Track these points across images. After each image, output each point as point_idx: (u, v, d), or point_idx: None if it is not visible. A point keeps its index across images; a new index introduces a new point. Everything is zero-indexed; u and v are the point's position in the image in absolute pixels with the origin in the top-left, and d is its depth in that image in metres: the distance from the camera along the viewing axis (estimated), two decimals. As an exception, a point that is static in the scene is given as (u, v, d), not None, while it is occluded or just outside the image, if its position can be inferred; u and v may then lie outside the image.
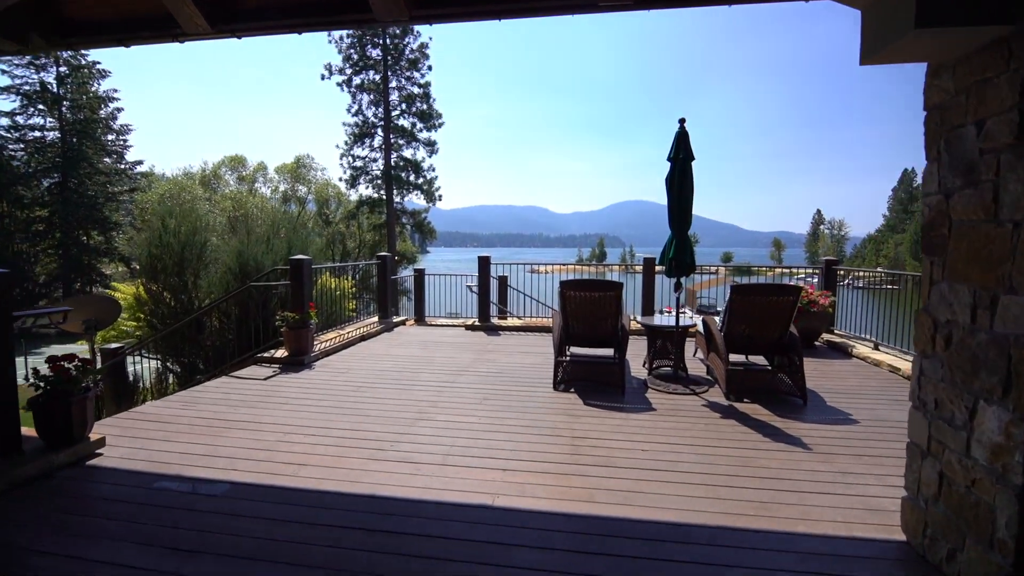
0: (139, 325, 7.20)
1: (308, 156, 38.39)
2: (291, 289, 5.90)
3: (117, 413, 4.21)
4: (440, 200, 35.81)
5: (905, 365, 5.30)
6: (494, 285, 8.89)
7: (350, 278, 8.85)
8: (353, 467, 3.06)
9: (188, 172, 40.20)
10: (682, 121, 4.57)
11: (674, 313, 5.01)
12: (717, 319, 5.12)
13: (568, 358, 4.87)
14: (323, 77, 34.62)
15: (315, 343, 6.04)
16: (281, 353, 5.71)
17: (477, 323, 7.88)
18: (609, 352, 5.35)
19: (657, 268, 7.30)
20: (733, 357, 4.68)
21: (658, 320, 5.34)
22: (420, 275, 9.61)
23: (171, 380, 7.31)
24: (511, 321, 8.22)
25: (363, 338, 6.92)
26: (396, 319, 8.30)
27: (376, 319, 8.14)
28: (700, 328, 5.31)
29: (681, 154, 4.50)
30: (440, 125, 35.28)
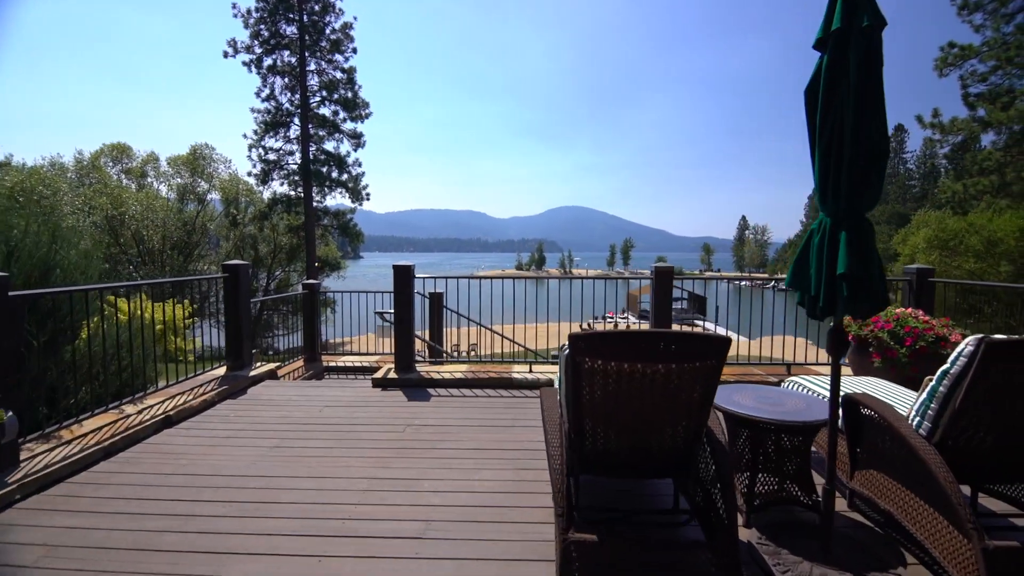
0: None
1: (207, 146, 33.07)
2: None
3: None
4: (368, 199, 32.04)
5: None
6: (421, 307, 5.89)
7: (186, 302, 5.45)
8: None
9: (57, 162, 33.44)
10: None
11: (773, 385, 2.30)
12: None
13: (584, 528, 1.99)
14: (226, 55, 29.91)
15: (20, 457, 2.78)
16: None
17: (393, 374, 4.83)
18: (663, 483, 2.55)
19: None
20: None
21: (755, 406, 2.54)
22: (311, 292, 6.41)
23: None
24: (450, 368, 5.21)
25: (168, 422, 3.66)
26: (262, 367, 5.07)
27: (222, 371, 4.87)
28: (840, 419, 2.64)
29: (865, 20, 1.79)
30: (367, 116, 31.58)
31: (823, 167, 1.93)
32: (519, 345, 5.83)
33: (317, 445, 3.30)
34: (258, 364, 5.19)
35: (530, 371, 4.86)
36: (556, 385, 2.80)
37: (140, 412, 3.68)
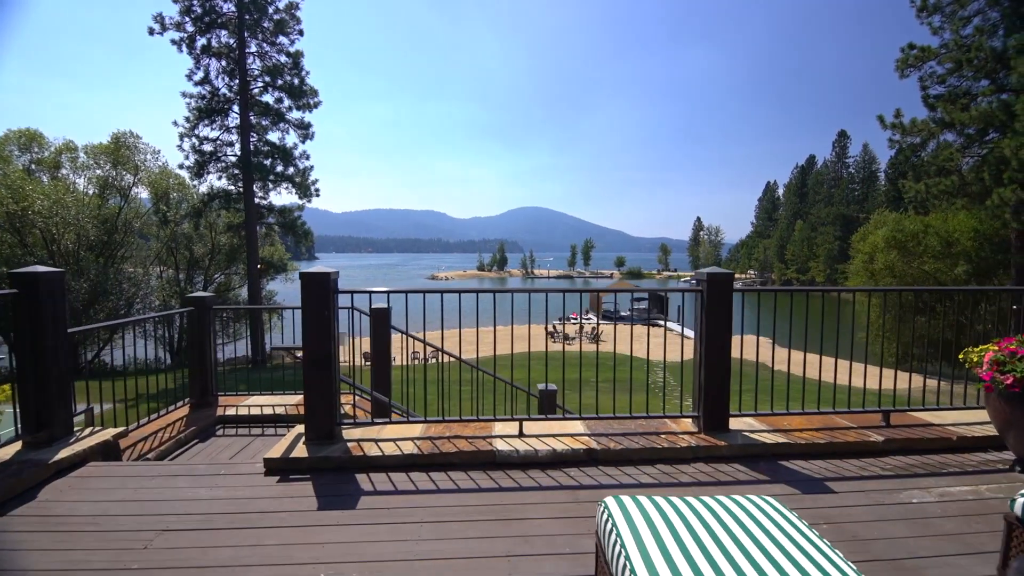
0: None
1: (131, 134, 29.50)
2: None
3: None
4: (317, 195, 29.53)
5: None
6: (347, 325, 4.09)
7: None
8: None
9: (-51, 150, 28.94)
10: None
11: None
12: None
13: None
14: (152, 32, 26.77)
15: None
16: None
17: (303, 448, 2.97)
18: None
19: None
20: None
21: None
22: (201, 309, 4.47)
23: None
24: (395, 431, 3.36)
25: None
26: (92, 437, 3.13)
27: (13, 451, 2.91)
28: None
29: None
30: (316, 105, 29.06)
31: None
32: (502, 380, 4.11)
33: None
34: (86, 431, 3.23)
35: (520, 434, 3.16)
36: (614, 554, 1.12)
37: None
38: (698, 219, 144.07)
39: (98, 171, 30.60)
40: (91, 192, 30.13)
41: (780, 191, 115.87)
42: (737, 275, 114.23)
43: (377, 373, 4.22)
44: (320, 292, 2.92)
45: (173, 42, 26.42)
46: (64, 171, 31.39)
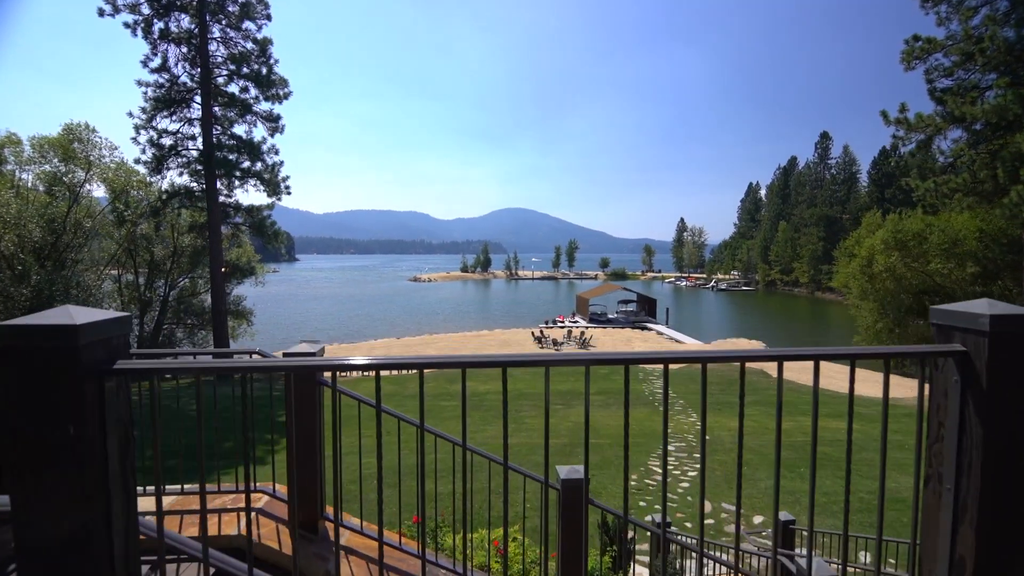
0: None
1: (86, 127, 26.97)
2: None
3: None
4: (288, 193, 27.41)
5: None
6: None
7: None
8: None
9: None
10: None
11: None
12: None
13: None
14: (103, 13, 24.43)
15: None
16: None
17: None
18: None
19: None
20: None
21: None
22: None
23: None
24: None
25: None
26: None
27: None
28: None
29: None
30: (286, 96, 26.94)
31: None
32: (517, 471, 2.44)
33: None
34: None
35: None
36: None
37: None
38: (681, 220, 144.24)
39: (46, 166, 27.95)
40: (39, 189, 27.50)
41: (763, 192, 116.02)
42: (721, 276, 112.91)
43: (300, 471, 2.44)
44: (47, 374, 1.14)
45: (127, 25, 24.09)
46: (9, 166, 28.65)
